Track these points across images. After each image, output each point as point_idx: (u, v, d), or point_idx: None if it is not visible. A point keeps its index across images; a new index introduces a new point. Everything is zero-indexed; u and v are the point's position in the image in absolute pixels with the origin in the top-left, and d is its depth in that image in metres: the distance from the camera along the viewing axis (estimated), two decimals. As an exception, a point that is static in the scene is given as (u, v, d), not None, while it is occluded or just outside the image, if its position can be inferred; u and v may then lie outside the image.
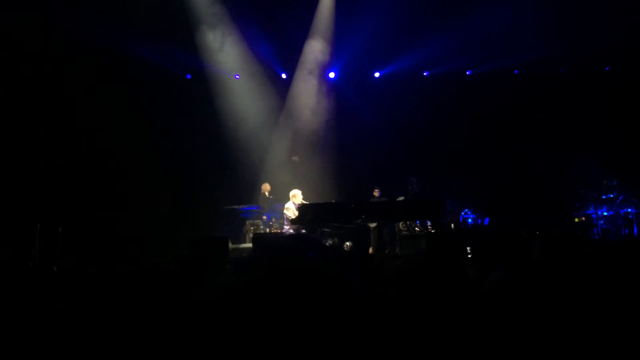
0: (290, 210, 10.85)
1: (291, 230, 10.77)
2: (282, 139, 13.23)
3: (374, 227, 11.36)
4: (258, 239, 9.19)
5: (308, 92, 13.32)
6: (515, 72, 13.39)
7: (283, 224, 11.13)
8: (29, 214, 9.75)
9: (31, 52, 10.94)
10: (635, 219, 10.29)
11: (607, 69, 13.06)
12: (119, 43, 11.54)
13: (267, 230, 11.21)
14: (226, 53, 12.77)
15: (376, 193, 11.50)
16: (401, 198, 10.96)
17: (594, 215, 10.75)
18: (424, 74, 13.59)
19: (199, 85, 13.11)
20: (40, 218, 9.34)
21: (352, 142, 13.03)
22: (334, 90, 13.56)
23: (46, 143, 11.42)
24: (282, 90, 13.41)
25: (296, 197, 10.94)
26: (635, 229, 10.21)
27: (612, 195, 10.68)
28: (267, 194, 11.73)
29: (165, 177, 12.36)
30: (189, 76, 13.44)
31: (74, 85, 11.46)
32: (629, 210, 10.40)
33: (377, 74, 13.68)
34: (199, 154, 12.73)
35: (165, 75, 12.75)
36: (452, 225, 11.38)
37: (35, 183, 11.00)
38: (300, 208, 10.39)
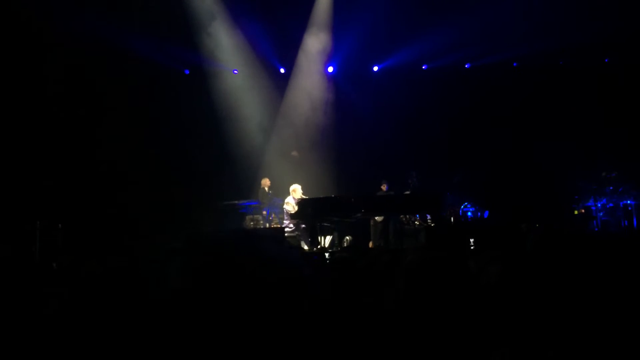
0: (290, 204, 10.86)
1: (291, 225, 10.78)
2: (281, 133, 13.22)
3: (379, 222, 11.32)
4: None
5: (307, 87, 13.30)
6: (514, 64, 13.37)
7: (283, 219, 11.15)
8: (29, 211, 9.76)
9: (28, 47, 10.90)
10: (635, 210, 10.30)
11: (605, 60, 13.03)
12: (117, 38, 11.50)
13: (267, 225, 11.23)
14: (224, 48, 12.75)
15: (384, 187, 11.48)
16: (407, 192, 10.98)
17: (593, 208, 10.77)
18: (423, 67, 13.57)
19: (197, 81, 13.09)
20: (40, 215, 9.35)
21: (351, 136, 13.02)
22: (333, 84, 13.54)
23: (45, 140, 11.40)
24: (280, 84, 13.39)
25: (296, 191, 10.95)
26: (635, 221, 10.22)
27: (611, 187, 10.69)
28: (266, 189, 11.73)
29: (165, 173, 12.34)
30: (187, 71, 13.41)
31: (71, 81, 11.42)
32: (629, 202, 10.41)
33: (375, 68, 13.65)
34: (198, 149, 12.71)
35: (163, 71, 12.72)
36: (452, 218, 11.40)
37: (35, 181, 10.99)
38: (300, 203, 10.39)
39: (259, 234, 9.43)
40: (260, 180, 12.00)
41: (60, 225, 9.59)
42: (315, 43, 13.03)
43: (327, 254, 7.02)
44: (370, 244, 11.26)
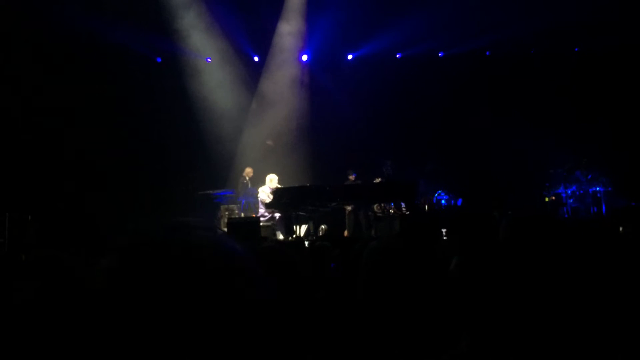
0: (265, 193, 10.81)
1: (266, 214, 10.75)
2: (255, 122, 13.14)
3: (350, 210, 11.41)
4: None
5: (281, 75, 13.24)
6: (487, 53, 13.50)
7: (258, 208, 11.10)
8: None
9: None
10: (603, 197, 10.53)
11: (576, 49, 13.25)
12: (87, 25, 11.25)
13: (242, 214, 11.17)
14: (197, 35, 12.57)
15: (351, 177, 11.47)
16: (378, 180, 11.02)
17: (563, 195, 10.98)
18: (397, 56, 13.60)
19: (170, 69, 12.91)
20: (9, 207, 9.15)
21: (326, 124, 13.01)
22: (307, 73, 13.50)
23: (14, 130, 11.13)
24: (254, 73, 13.30)
25: (272, 181, 10.91)
26: (604, 207, 10.45)
27: (580, 174, 10.90)
28: (247, 178, 11.56)
29: (138, 163, 12.18)
30: (159, 59, 13.22)
31: (39, 69, 11.14)
32: (598, 189, 10.63)
33: (350, 57, 13.64)
34: (172, 138, 12.57)
35: (135, 58, 12.51)
36: (426, 206, 11.51)
37: (4, 172, 10.73)
38: (275, 192, 10.35)
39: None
40: (237, 169, 11.92)
41: (30, 217, 9.41)
42: (289, 32, 12.95)
43: (306, 243, 7.03)
44: (346, 233, 11.33)
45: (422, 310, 1.59)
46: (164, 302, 0.75)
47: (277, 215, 10.66)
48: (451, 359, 1.36)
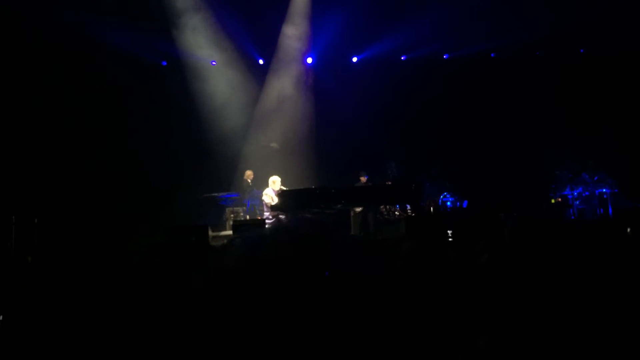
0: (269, 196, 10.82)
1: (271, 217, 10.76)
2: (260, 125, 13.16)
3: (358, 213, 11.37)
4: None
5: (286, 78, 13.26)
6: (492, 55, 13.47)
7: (263, 211, 11.11)
8: (4, 206, 9.58)
9: (3, 40, 10.67)
10: (610, 198, 10.49)
11: (581, 51, 13.20)
12: (94, 30, 11.29)
13: (247, 217, 11.19)
14: (202, 39, 12.60)
15: (363, 179, 11.47)
16: (389, 183, 11.02)
17: (569, 196, 10.93)
18: (402, 58, 13.59)
19: (175, 72, 12.95)
20: (16, 210, 9.18)
21: (331, 127, 12.99)
22: (312, 75, 13.50)
23: (21, 134, 11.18)
24: (259, 76, 13.31)
25: (275, 183, 10.92)
26: (610, 209, 10.41)
27: (586, 176, 10.87)
28: (249, 180, 11.63)
29: (143, 166, 12.20)
30: (164, 63, 13.26)
31: (46, 74, 11.19)
32: (604, 190, 10.59)
33: (354, 59, 13.64)
34: (177, 141, 12.58)
35: (140, 63, 12.54)
36: (432, 208, 11.49)
37: (10, 175, 10.78)
38: (280, 194, 10.37)
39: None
40: (242, 172, 11.94)
41: (36, 220, 9.44)
42: (294, 34, 12.96)
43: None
44: (351, 235, 11.32)
45: (443, 308, 1.59)
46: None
47: (282, 217, 10.66)
48: (468, 357, 1.35)
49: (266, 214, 10.91)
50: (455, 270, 1.65)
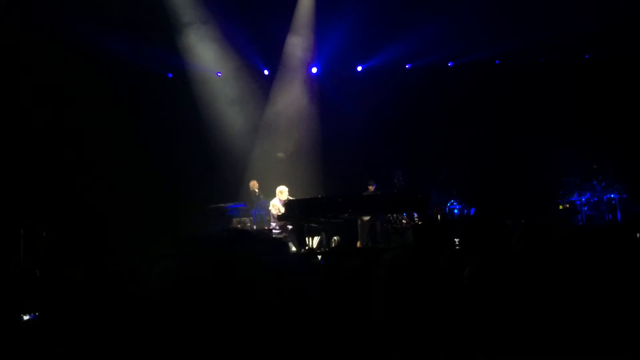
0: (276, 207, 10.82)
1: (278, 227, 10.77)
2: (266, 135, 13.20)
3: (366, 221, 11.33)
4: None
5: (291, 88, 13.30)
6: (497, 62, 13.46)
7: (270, 221, 11.12)
8: (13, 218, 9.62)
9: (6, 50, 10.74)
10: (619, 204, 10.42)
11: (586, 56, 13.17)
12: (99, 42, 11.39)
13: (255, 227, 11.18)
14: (207, 50, 12.68)
15: (371, 187, 11.46)
16: (395, 191, 11.01)
17: (577, 202, 10.87)
18: (407, 66, 13.61)
19: (181, 84, 13.02)
20: (24, 223, 9.22)
21: (337, 136, 13.02)
22: (317, 85, 13.54)
23: (29, 146, 11.25)
24: (265, 86, 13.36)
25: (282, 193, 10.92)
26: (619, 214, 10.34)
27: (595, 182, 10.81)
28: (256, 190, 11.64)
29: (150, 177, 12.24)
30: (170, 75, 13.34)
31: (54, 87, 11.27)
32: (612, 195, 10.53)
33: (359, 68, 13.67)
34: (183, 152, 12.63)
35: (146, 75, 12.62)
36: (439, 216, 11.45)
37: (19, 187, 10.84)
38: (287, 204, 10.38)
39: (257, 237, 9.30)
40: (248, 182, 11.96)
41: (44, 232, 9.47)
42: (298, 44, 13.02)
43: (319, 256, 7.02)
44: (358, 244, 11.28)
45: (434, 318, 1.58)
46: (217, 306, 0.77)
47: (290, 227, 10.66)
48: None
49: (273, 224, 10.91)
50: (437, 282, 1.64)
